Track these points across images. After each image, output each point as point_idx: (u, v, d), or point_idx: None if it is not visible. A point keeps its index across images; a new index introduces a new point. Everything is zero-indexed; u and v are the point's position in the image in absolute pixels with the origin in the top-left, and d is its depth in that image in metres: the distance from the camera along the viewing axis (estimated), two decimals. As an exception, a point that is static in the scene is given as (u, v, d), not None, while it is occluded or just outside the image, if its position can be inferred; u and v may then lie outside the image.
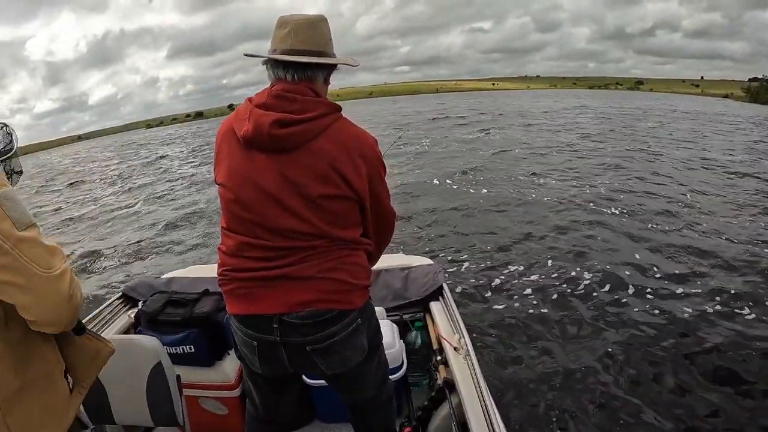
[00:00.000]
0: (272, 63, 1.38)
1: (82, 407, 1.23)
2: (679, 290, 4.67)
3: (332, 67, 1.45)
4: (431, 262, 3.13)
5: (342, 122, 1.39)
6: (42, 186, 20.13)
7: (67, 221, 11.25)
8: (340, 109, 1.40)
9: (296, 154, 1.31)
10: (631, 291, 4.71)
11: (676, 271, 5.16)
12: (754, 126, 25.20)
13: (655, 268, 5.22)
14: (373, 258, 1.61)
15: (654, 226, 6.77)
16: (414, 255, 3.72)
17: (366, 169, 1.38)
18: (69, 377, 1.15)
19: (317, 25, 1.39)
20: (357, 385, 1.60)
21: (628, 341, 3.85)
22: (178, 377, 1.94)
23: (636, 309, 4.35)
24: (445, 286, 2.72)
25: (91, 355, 1.20)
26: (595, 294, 4.69)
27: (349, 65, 1.48)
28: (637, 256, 5.60)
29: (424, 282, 2.80)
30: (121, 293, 2.77)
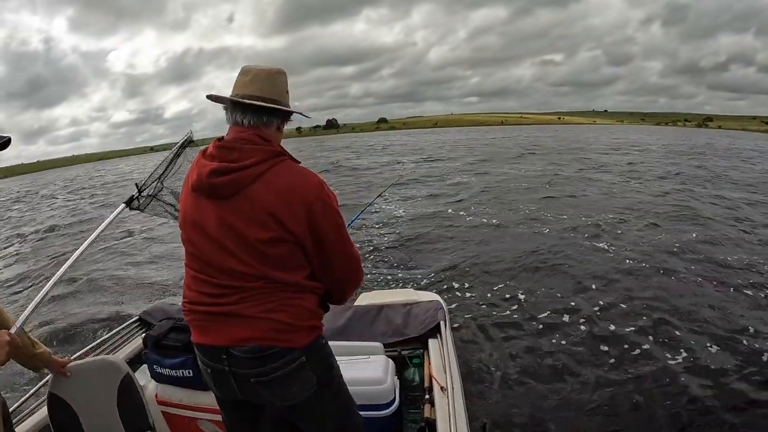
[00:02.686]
0: (231, 107, 1.51)
1: None
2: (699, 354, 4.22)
3: (286, 116, 1.57)
4: (436, 297, 3.15)
5: (282, 167, 1.45)
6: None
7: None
8: (281, 153, 1.47)
9: (234, 200, 1.41)
10: (649, 346, 4.40)
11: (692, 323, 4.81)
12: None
13: (670, 319, 4.87)
14: (335, 300, 1.65)
15: (674, 271, 6.40)
16: (422, 290, 3.69)
17: (304, 212, 1.41)
18: None
19: (275, 77, 1.52)
20: (312, 418, 1.65)
21: (638, 407, 3.50)
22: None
23: (648, 368, 3.97)
24: (443, 324, 2.73)
25: None
26: (608, 347, 4.39)
27: (302, 116, 1.62)
28: (655, 304, 5.29)
29: (424, 319, 2.83)
30: (137, 317, 2.97)
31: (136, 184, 2.49)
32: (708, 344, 4.35)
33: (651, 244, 7.76)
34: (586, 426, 3.27)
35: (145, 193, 2.48)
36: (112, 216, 2.33)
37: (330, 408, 1.65)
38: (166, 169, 2.50)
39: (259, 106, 1.48)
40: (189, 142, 2.52)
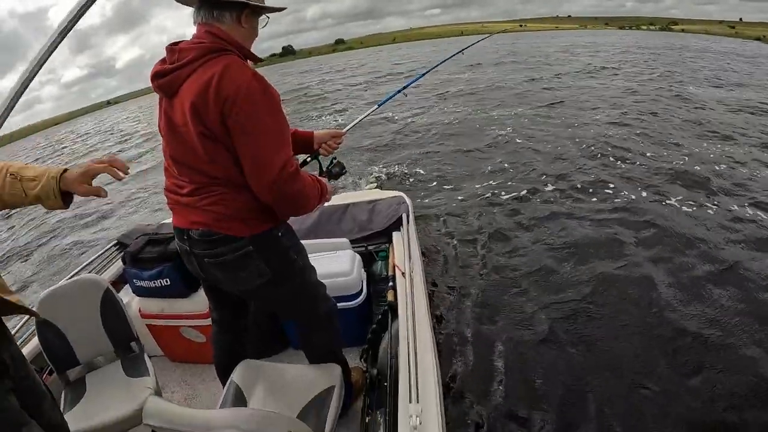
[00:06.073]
0: (195, 8, 1.55)
1: None
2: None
3: (243, 8, 1.52)
4: (400, 194, 3.25)
5: (215, 62, 1.43)
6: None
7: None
8: (221, 49, 1.46)
9: (175, 99, 1.50)
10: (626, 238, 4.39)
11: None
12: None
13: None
14: (274, 208, 1.59)
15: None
16: (388, 190, 3.74)
17: (220, 103, 1.38)
18: None
19: None
20: (270, 305, 1.90)
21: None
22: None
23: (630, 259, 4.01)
24: (405, 216, 2.86)
25: None
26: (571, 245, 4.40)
27: (265, 7, 1.60)
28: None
29: (387, 213, 2.98)
30: (116, 240, 3.04)
31: None
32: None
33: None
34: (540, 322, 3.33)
35: None
36: None
37: (291, 297, 1.80)
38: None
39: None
40: None
